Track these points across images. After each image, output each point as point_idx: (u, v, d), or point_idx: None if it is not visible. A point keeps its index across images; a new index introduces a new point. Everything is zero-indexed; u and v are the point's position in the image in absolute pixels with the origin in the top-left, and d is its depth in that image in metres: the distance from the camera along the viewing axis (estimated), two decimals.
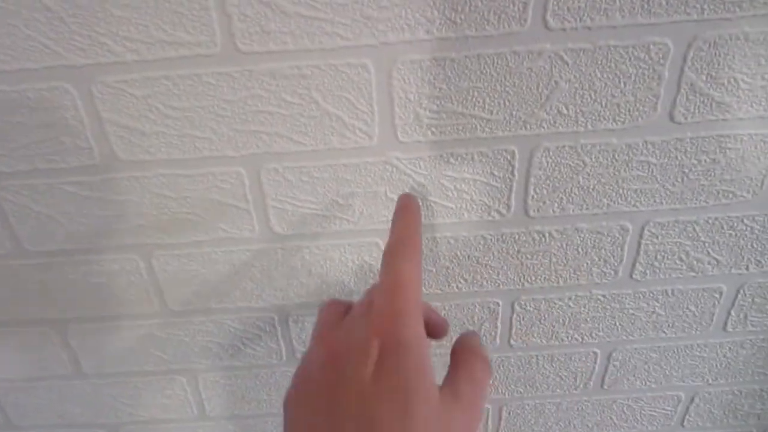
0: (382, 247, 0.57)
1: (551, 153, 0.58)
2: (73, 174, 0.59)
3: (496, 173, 0.59)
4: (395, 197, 0.60)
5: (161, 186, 0.59)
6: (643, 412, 0.80)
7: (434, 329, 0.41)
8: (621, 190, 0.60)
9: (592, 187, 0.60)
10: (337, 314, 0.38)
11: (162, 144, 0.57)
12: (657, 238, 0.63)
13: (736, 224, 0.62)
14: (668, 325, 0.71)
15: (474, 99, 0.54)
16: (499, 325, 0.70)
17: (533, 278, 0.66)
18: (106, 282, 0.66)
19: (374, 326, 0.32)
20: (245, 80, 0.53)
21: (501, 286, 0.67)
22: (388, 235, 0.39)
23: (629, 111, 0.55)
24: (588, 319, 0.70)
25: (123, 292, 0.67)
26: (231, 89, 0.53)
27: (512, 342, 0.72)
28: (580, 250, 0.64)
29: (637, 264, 0.65)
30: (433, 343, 0.40)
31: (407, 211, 0.43)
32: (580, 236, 0.63)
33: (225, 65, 0.52)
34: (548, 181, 0.59)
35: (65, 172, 0.58)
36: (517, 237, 0.63)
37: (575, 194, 0.60)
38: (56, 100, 0.54)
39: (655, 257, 0.65)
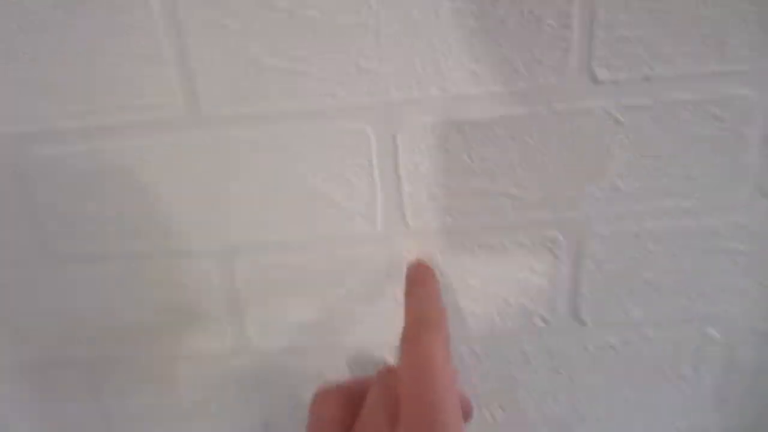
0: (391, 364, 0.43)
1: (607, 240, 0.44)
2: None
3: (536, 267, 0.46)
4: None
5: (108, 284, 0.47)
6: None
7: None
8: (701, 287, 0.46)
9: (662, 283, 0.46)
10: (338, 408, 0.33)
11: (110, 231, 0.45)
12: (753, 349, 0.48)
13: None
14: None
15: (504, 172, 0.42)
16: None
17: (589, 404, 0.51)
18: None
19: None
20: (205, 144, 0.42)
21: (547, 415, 0.52)
22: (405, 315, 0.35)
23: (706, 185, 0.43)
24: None
25: None
26: (194, 161, 0.42)
27: None
28: (650, 365, 0.49)
29: (728, 384, 0.50)
30: None
31: (422, 284, 0.39)
32: (649, 347, 0.48)
33: (187, 133, 0.42)
34: (604, 277, 0.46)
35: None
36: (566, 350, 0.49)
37: (640, 293, 0.46)
38: None
39: (755, 375, 0.49)
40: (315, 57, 0.39)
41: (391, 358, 0.49)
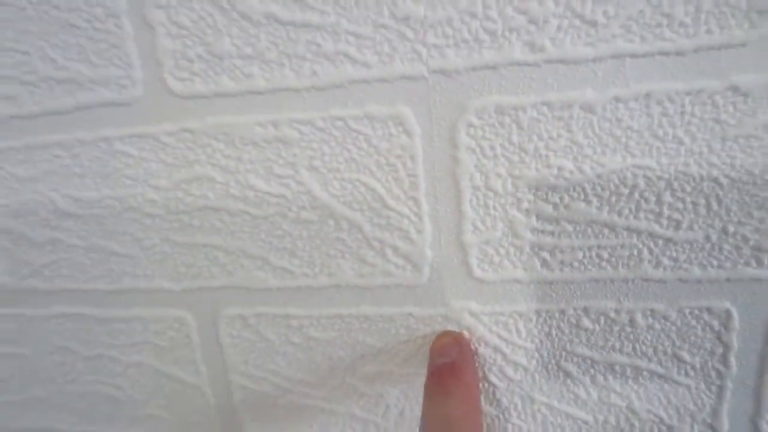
0: None
1: None
2: None
3: (685, 357, 0.27)
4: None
5: (64, 334, 0.35)
6: None
7: None
8: None
9: None
10: None
11: (61, 261, 0.33)
12: None
13: None
14: None
15: (640, 193, 0.25)
16: None
17: None
18: None
19: None
20: (184, 149, 0.29)
21: None
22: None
23: None
24: None
25: None
26: (162, 165, 0.29)
27: None
28: None
29: None
30: None
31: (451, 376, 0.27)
32: None
33: (150, 121, 0.28)
34: None
35: None
36: None
37: None
38: None
39: None
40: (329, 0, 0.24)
41: None
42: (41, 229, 0.32)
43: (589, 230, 0.26)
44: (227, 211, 0.29)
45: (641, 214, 0.25)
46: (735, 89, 0.23)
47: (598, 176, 0.25)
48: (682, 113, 0.23)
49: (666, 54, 0.23)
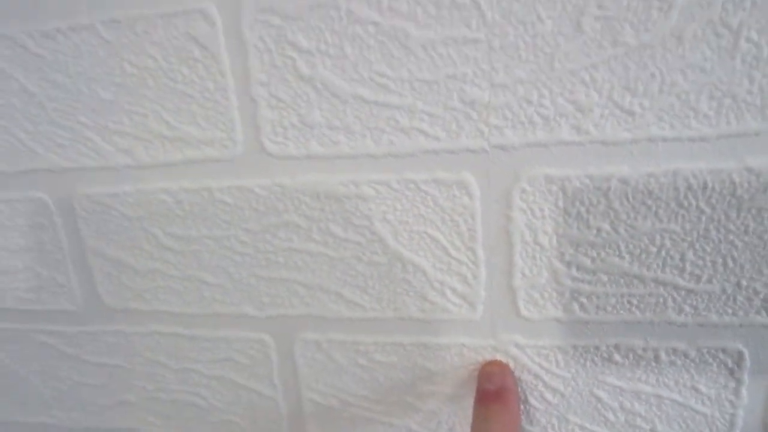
0: None
1: None
2: (49, 320, 0.42)
3: (702, 389, 0.32)
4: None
5: (157, 349, 0.40)
6: None
7: None
8: None
9: None
10: None
11: (159, 288, 0.38)
12: None
13: None
14: None
15: (666, 253, 0.29)
16: None
17: None
18: None
19: None
20: (275, 199, 0.34)
21: None
22: None
23: None
24: None
25: None
26: (254, 212, 0.34)
27: None
28: None
29: None
30: None
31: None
32: None
33: (247, 175, 0.34)
34: None
35: (40, 316, 0.42)
36: None
37: None
38: (31, 216, 0.39)
39: None
40: (407, 84, 0.29)
41: None
42: (144, 260, 0.37)
43: (621, 281, 0.30)
44: (308, 253, 0.34)
45: (667, 269, 0.30)
46: (749, 170, 0.27)
47: (631, 236, 0.29)
48: (704, 188, 0.28)
49: (692, 140, 0.27)
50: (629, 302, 0.31)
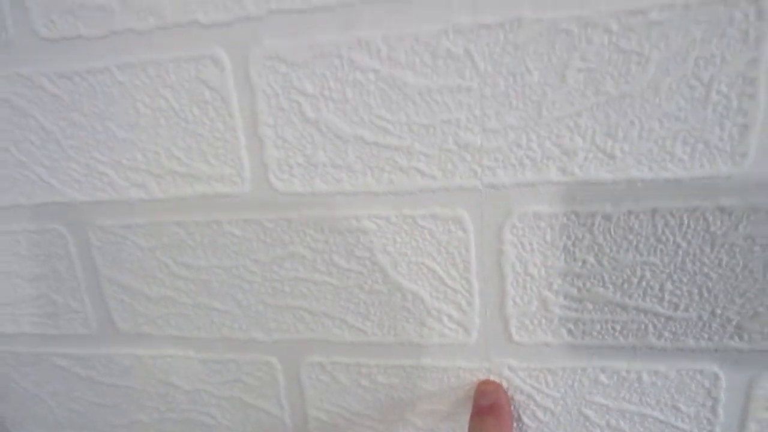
0: None
1: None
2: (64, 344, 0.44)
3: (682, 407, 0.34)
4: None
5: (168, 371, 0.42)
6: None
7: None
8: None
9: None
10: None
11: (171, 314, 0.40)
12: None
13: None
14: None
15: (646, 284, 0.32)
16: None
17: None
18: None
19: None
20: (281, 232, 0.36)
21: None
22: None
23: None
24: None
25: None
26: (262, 244, 0.36)
27: None
28: None
29: None
30: None
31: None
32: None
33: (254, 210, 0.36)
34: None
35: (55, 340, 0.44)
36: None
37: None
38: (48, 247, 0.41)
39: None
40: (406, 127, 0.32)
41: None
42: (157, 288, 0.40)
43: (606, 308, 0.33)
44: (313, 282, 0.36)
45: (647, 298, 0.32)
46: (722, 209, 0.29)
47: (614, 268, 0.32)
48: (681, 225, 0.30)
49: (668, 181, 0.30)
50: (613, 328, 0.33)
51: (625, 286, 0.32)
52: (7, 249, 0.41)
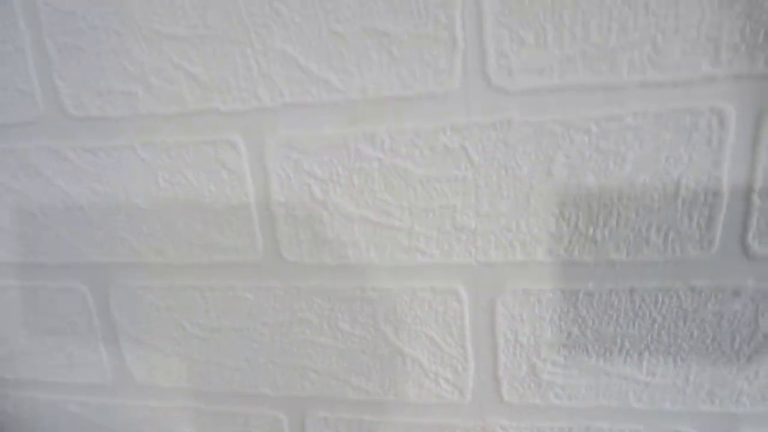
0: None
1: None
2: (80, 392, 0.46)
3: None
4: None
5: (180, 421, 0.45)
6: None
7: None
8: None
9: None
10: None
11: (184, 369, 0.43)
12: None
13: None
14: None
15: (626, 352, 0.35)
16: None
17: None
18: None
19: None
20: (291, 299, 0.39)
21: None
22: None
23: None
24: None
25: None
26: (272, 309, 0.39)
27: None
28: None
29: None
30: None
31: None
32: None
33: (266, 278, 0.39)
34: None
35: (71, 388, 0.46)
36: None
37: None
38: (68, 303, 0.43)
39: None
40: (407, 211, 0.35)
41: None
42: (171, 345, 0.42)
43: (590, 374, 0.36)
44: (319, 344, 0.39)
45: (627, 365, 0.35)
46: (693, 288, 0.33)
47: (596, 339, 0.35)
48: (656, 302, 0.33)
49: (645, 264, 0.33)
50: (596, 392, 0.36)
51: (607, 354, 0.35)
52: (29, 303, 0.44)
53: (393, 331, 0.38)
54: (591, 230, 0.33)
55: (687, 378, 0.35)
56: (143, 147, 0.37)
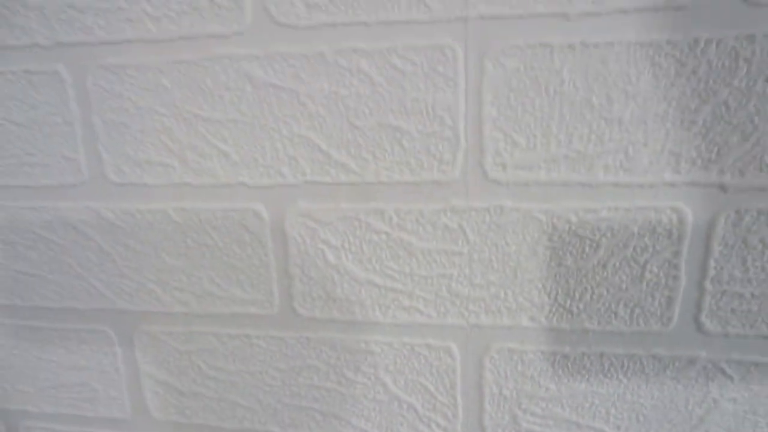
0: None
1: None
2: (100, 425, 0.50)
3: None
4: None
5: None
6: None
7: None
8: None
9: None
10: None
11: (199, 407, 0.47)
12: None
13: None
14: None
15: (595, 408, 0.40)
16: None
17: None
18: None
19: None
20: (301, 348, 0.43)
21: None
22: None
23: None
24: None
25: None
26: (284, 356, 0.44)
27: None
28: None
29: None
30: None
31: None
32: None
33: (280, 329, 0.43)
34: None
35: (92, 421, 0.50)
36: None
37: None
38: (95, 344, 0.47)
39: None
40: (409, 277, 0.40)
41: None
42: (189, 384, 0.46)
43: (563, 425, 0.41)
44: (325, 389, 0.44)
45: (596, 419, 0.40)
46: (654, 356, 0.38)
47: (570, 395, 0.40)
48: (622, 366, 0.38)
49: (612, 333, 0.38)
50: None
51: (579, 409, 0.40)
52: (58, 344, 0.48)
53: (392, 380, 0.42)
54: (568, 302, 0.38)
55: (647, 430, 0.40)
56: (176, 211, 0.42)
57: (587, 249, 0.37)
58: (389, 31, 0.35)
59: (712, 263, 0.36)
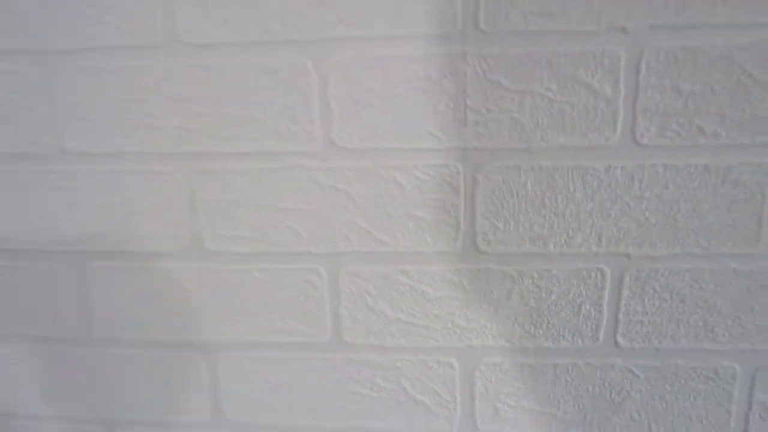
0: None
1: None
2: (182, 428, 0.66)
3: None
4: None
5: None
6: None
7: None
8: None
9: None
10: None
11: (264, 406, 0.64)
12: None
13: None
14: None
15: (549, 399, 0.59)
16: None
17: None
18: None
19: None
20: (344, 365, 0.61)
21: None
22: None
23: (701, 426, 0.58)
24: None
25: None
26: (331, 371, 0.61)
27: None
28: None
29: None
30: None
31: None
32: None
33: (330, 352, 0.61)
34: None
35: (174, 425, 0.66)
36: None
37: None
38: (186, 367, 0.63)
39: None
40: (426, 316, 0.58)
41: None
42: (257, 394, 0.63)
43: (527, 413, 0.60)
44: (360, 394, 0.61)
45: (551, 408, 0.59)
46: (588, 363, 0.57)
47: (532, 392, 0.59)
48: (568, 372, 0.58)
49: (562, 349, 0.57)
50: (534, 424, 0.60)
51: (539, 401, 0.59)
52: (155, 368, 0.64)
53: (410, 385, 0.60)
54: (532, 329, 0.57)
55: (584, 413, 0.59)
56: (259, 271, 0.59)
57: (544, 294, 0.56)
58: (414, 154, 0.54)
59: (623, 303, 0.55)
